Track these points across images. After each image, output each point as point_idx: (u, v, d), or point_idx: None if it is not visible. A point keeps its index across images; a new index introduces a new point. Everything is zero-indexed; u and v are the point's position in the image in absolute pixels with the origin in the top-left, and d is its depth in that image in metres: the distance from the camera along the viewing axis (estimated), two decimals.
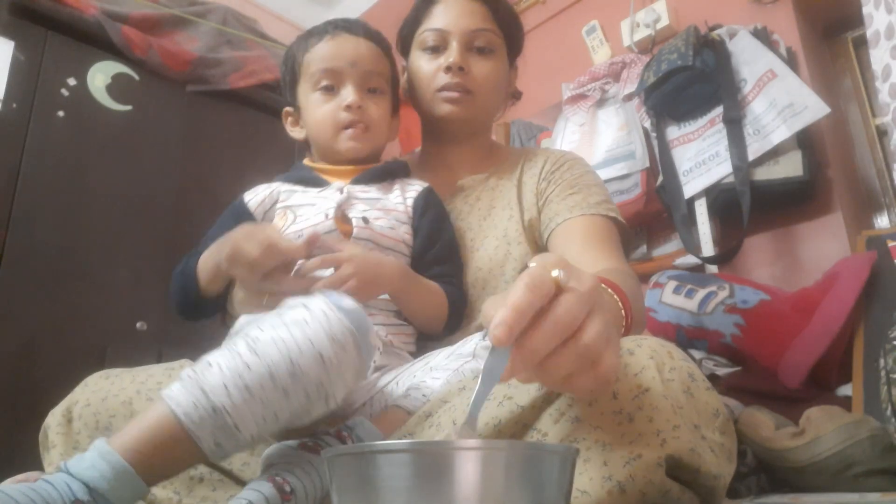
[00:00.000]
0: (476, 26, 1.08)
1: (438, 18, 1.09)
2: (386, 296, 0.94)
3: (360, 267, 0.85)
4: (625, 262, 0.98)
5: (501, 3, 1.13)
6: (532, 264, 0.51)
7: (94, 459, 0.59)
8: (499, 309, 0.47)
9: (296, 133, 1.09)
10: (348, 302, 0.67)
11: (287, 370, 0.62)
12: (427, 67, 1.09)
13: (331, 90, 1.00)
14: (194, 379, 0.62)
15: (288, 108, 1.09)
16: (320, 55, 1.02)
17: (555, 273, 0.49)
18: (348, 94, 0.99)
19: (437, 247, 1.01)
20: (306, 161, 1.08)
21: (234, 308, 0.92)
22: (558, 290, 0.49)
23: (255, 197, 1.01)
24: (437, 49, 1.09)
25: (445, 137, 1.15)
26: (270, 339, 0.63)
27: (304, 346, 0.62)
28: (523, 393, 0.62)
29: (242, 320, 0.79)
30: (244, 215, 0.99)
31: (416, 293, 0.93)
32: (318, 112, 1.01)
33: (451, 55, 1.06)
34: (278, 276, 0.83)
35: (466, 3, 1.09)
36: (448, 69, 1.06)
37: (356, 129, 0.99)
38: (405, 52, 1.15)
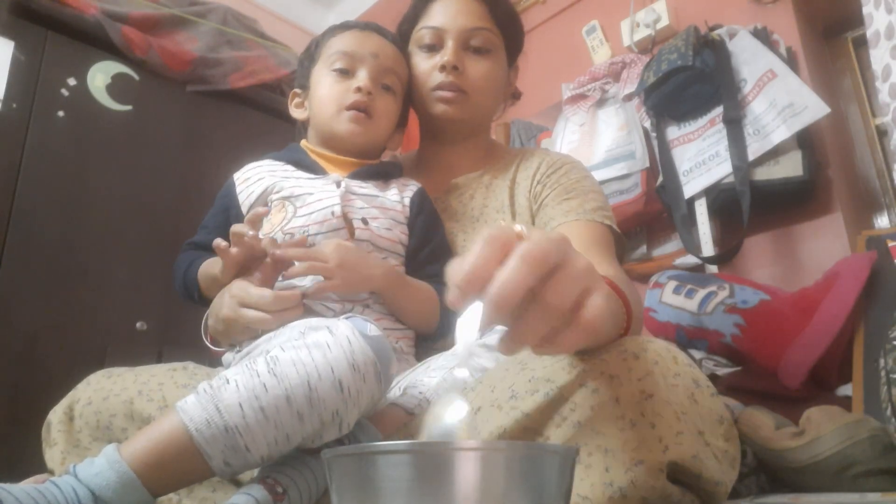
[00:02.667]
0: (473, 25, 1.07)
1: (435, 16, 1.08)
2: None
3: (343, 260, 0.83)
4: (621, 270, 0.96)
5: (500, 2, 1.12)
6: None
7: (103, 467, 0.59)
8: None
9: (298, 113, 1.07)
10: (373, 329, 0.67)
11: (304, 395, 0.61)
12: (423, 66, 1.08)
13: (345, 73, 1.00)
14: (210, 395, 0.61)
15: (296, 90, 1.08)
16: (344, 41, 1.01)
17: (517, 228, 0.47)
18: (362, 77, 0.99)
19: (430, 245, 1.00)
20: (304, 143, 1.06)
21: (216, 334, 0.90)
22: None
23: (245, 188, 1.00)
24: (433, 47, 1.08)
25: (442, 137, 1.14)
26: (290, 360, 0.62)
27: (323, 372, 0.62)
28: (528, 401, 0.61)
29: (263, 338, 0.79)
30: (232, 208, 0.99)
31: (404, 293, 0.92)
32: (326, 90, 1.00)
33: (446, 54, 1.06)
34: (264, 279, 0.83)
35: (464, 2, 1.08)
36: (442, 68, 1.05)
37: (359, 114, 0.98)
38: (403, 48, 1.14)
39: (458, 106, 1.07)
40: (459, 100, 1.07)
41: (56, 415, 0.84)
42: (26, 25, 1.79)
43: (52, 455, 0.82)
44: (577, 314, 0.46)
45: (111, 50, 1.92)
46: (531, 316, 0.45)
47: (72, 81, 1.85)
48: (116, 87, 1.93)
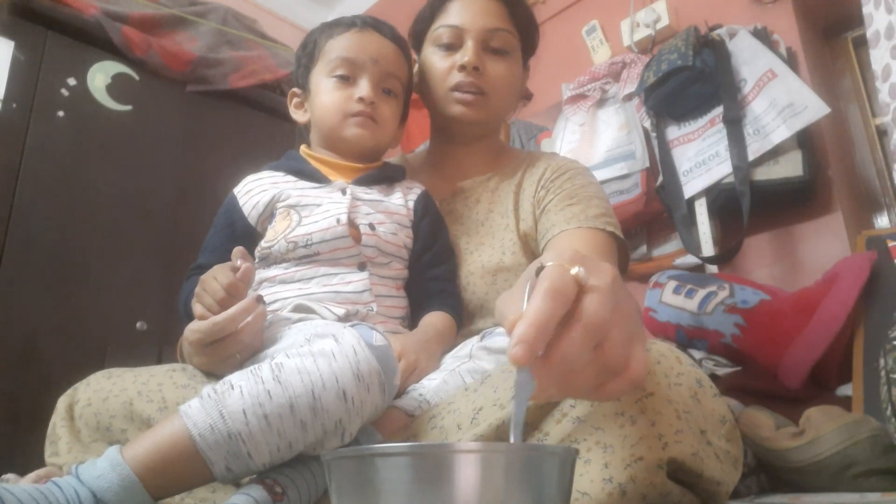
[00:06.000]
0: (493, 26, 1.05)
1: (455, 15, 1.06)
2: (392, 302, 0.94)
3: (417, 352, 0.83)
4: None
5: (520, 3, 1.10)
6: (549, 263, 0.47)
7: (105, 469, 0.59)
8: (513, 315, 0.43)
9: (298, 115, 1.06)
10: (378, 338, 0.67)
11: (308, 404, 0.61)
12: (441, 65, 1.06)
13: (346, 80, 0.98)
14: (214, 400, 0.61)
15: (295, 90, 1.07)
16: (344, 44, 0.99)
17: (574, 271, 0.46)
18: (363, 87, 0.97)
19: (434, 249, 1.00)
20: (303, 149, 1.05)
21: (189, 360, 0.87)
22: (580, 289, 0.45)
23: (248, 199, 0.98)
24: (451, 46, 1.06)
25: (455, 137, 1.13)
26: (295, 368, 0.62)
27: (328, 382, 0.61)
28: None
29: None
30: (238, 221, 0.98)
31: (445, 339, 0.92)
32: (328, 98, 0.98)
33: (467, 54, 1.03)
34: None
35: (484, 2, 1.07)
36: (462, 68, 1.03)
37: (365, 119, 0.97)
38: (417, 47, 1.13)
39: (478, 107, 1.05)
40: (479, 101, 1.05)
41: (58, 413, 0.85)
42: (26, 25, 1.79)
43: (55, 450, 0.82)
44: (624, 367, 0.47)
45: (111, 50, 1.92)
46: (585, 374, 0.45)
47: (72, 81, 1.85)
48: (116, 87, 1.93)
